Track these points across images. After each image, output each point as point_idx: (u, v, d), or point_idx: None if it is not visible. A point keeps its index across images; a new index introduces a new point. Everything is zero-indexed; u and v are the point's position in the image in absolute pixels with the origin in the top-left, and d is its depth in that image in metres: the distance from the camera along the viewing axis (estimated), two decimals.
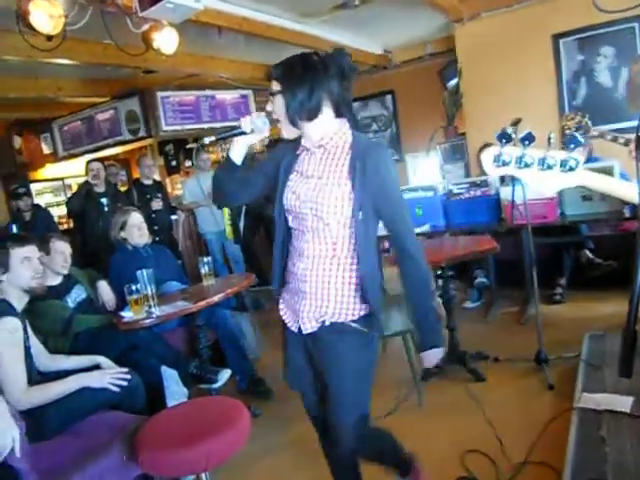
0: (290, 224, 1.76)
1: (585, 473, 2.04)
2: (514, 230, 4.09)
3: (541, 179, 1.20)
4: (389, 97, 7.63)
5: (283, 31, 4.85)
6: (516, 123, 2.55)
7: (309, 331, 1.73)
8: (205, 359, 3.16)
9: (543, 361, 3.18)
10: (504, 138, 1.19)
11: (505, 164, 1.20)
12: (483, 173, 5.06)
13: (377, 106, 7.76)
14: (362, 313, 1.71)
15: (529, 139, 1.17)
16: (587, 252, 4.42)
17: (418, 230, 4.47)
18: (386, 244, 6.29)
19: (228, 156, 1.80)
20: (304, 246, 1.71)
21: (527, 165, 1.19)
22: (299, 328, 1.75)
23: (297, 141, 1.75)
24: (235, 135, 1.79)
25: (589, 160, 4.10)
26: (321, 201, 1.63)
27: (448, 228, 4.41)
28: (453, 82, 6.25)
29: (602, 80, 5.04)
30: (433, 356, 1.77)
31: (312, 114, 1.64)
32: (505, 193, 4.16)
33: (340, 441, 1.79)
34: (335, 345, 1.71)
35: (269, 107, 1.70)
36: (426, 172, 7.03)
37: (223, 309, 3.44)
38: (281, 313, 1.85)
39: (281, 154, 1.81)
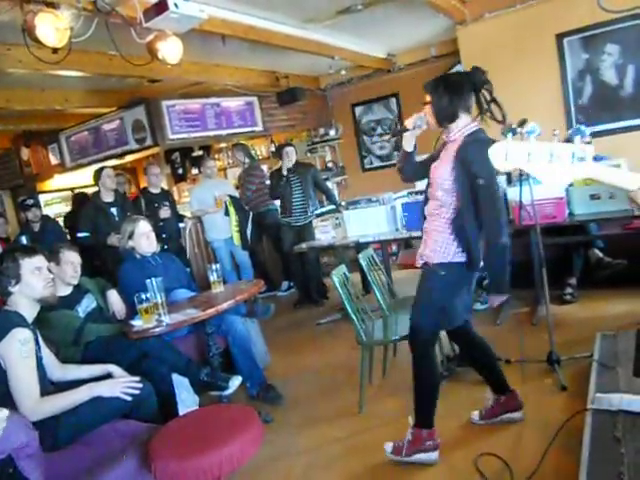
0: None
1: (601, 475, 2.02)
2: (523, 231, 4.06)
3: (551, 171, 1.19)
4: (394, 100, 7.64)
5: (287, 37, 4.87)
6: (522, 124, 2.56)
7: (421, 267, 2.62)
8: (216, 366, 3.17)
9: (555, 362, 3.15)
10: (511, 132, 1.19)
11: (514, 158, 1.20)
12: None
13: (381, 109, 7.77)
14: (443, 261, 2.43)
15: (534, 131, 1.17)
16: (597, 251, 4.38)
17: None
18: (393, 247, 6.30)
19: (403, 149, 2.64)
20: (427, 206, 2.57)
21: (536, 159, 1.19)
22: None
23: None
24: (403, 132, 2.58)
25: (594, 159, 4.08)
26: (442, 178, 2.38)
27: None
28: None
29: (607, 78, 5.02)
30: (497, 299, 2.49)
31: (450, 119, 2.34)
32: (512, 194, 4.13)
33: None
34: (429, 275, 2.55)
35: (424, 111, 2.44)
36: None
37: (232, 316, 3.44)
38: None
39: (438, 144, 2.56)
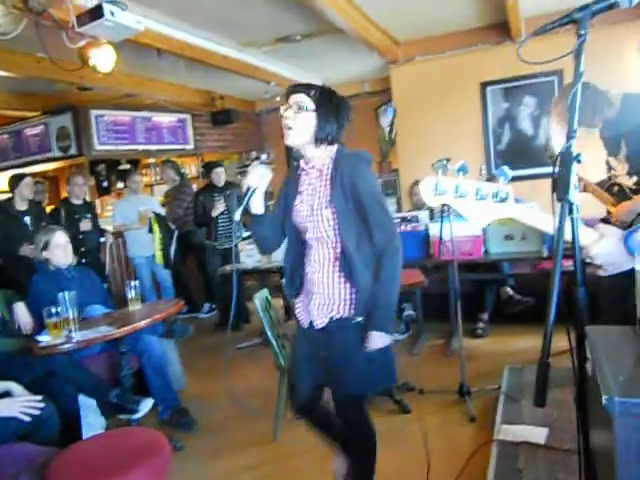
0: (296, 238, 2.02)
1: None
2: (441, 265, 4.23)
3: (476, 209, 1.26)
4: None
5: (224, 59, 4.88)
6: (441, 165, 2.70)
7: (320, 326, 1.95)
8: (127, 388, 3.03)
9: (466, 393, 3.26)
10: (440, 168, 1.25)
11: (443, 194, 1.25)
12: (415, 208, 5.24)
13: None
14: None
15: (463, 170, 1.24)
16: (508, 289, 4.63)
17: None
18: None
19: (252, 214, 1.97)
20: (312, 253, 1.97)
21: (463, 195, 1.25)
22: (310, 323, 1.98)
23: (292, 166, 2.03)
24: (251, 197, 1.91)
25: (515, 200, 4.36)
26: (323, 214, 1.88)
27: None
28: (388, 120, 6.47)
29: (524, 127, 5.39)
30: (379, 339, 1.88)
31: (332, 142, 1.89)
32: (434, 229, 4.30)
33: (342, 414, 2.08)
34: (342, 337, 1.93)
35: (287, 114, 1.85)
36: None
37: (149, 335, 3.32)
38: (296, 312, 2.08)
39: (285, 184, 2.07)
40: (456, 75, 5.48)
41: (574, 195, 1.14)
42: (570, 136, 1.15)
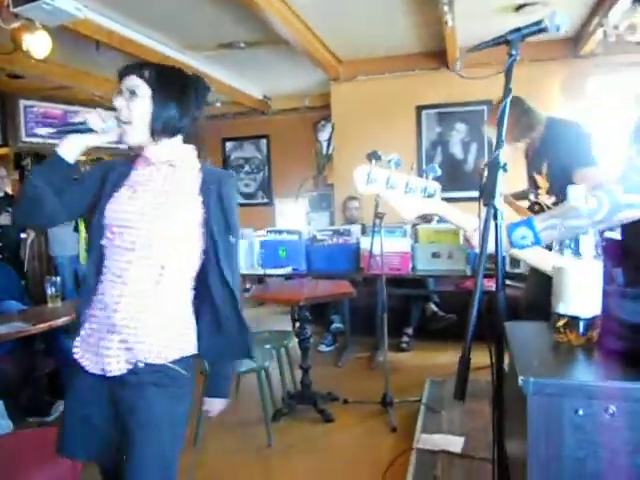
0: (105, 242, 1.48)
1: None
2: (370, 280, 4.31)
3: (404, 202, 1.30)
4: (264, 141, 7.80)
5: (165, 59, 4.79)
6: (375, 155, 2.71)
7: (115, 374, 1.40)
8: (40, 389, 2.87)
9: (388, 404, 3.33)
10: (374, 158, 1.29)
11: (374, 183, 1.28)
12: (348, 223, 5.32)
13: (251, 149, 7.89)
14: (186, 354, 1.48)
15: (396, 163, 1.28)
16: (432, 305, 4.79)
17: (280, 271, 4.54)
18: (247, 284, 6.29)
19: (57, 155, 1.46)
20: (124, 267, 1.44)
21: (393, 187, 1.28)
22: (103, 370, 1.42)
23: (130, 153, 1.59)
24: (81, 131, 1.48)
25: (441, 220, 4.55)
26: (159, 219, 1.44)
27: (309, 272, 4.53)
28: (325, 136, 6.57)
29: (455, 152, 5.63)
30: (219, 405, 1.59)
31: (176, 132, 1.51)
32: (365, 243, 4.39)
33: None
34: (147, 392, 1.41)
35: (118, 103, 1.45)
36: (293, 218, 7.22)
37: (67, 335, 3.17)
38: (75, 353, 1.46)
39: (108, 167, 1.59)
40: (394, 97, 5.66)
41: (499, 201, 1.21)
42: (498, 146, 1.22)
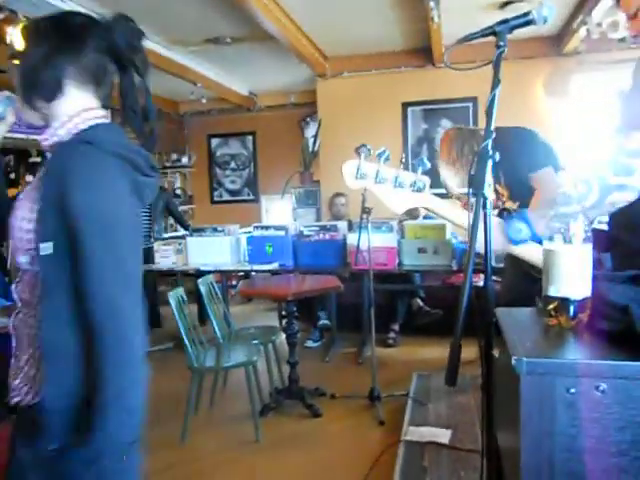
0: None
1: None
2: (356, 275, 4.32)
3: (394, 196, 1.30)
4: (250, 138, 7.79)
5: (150, 54, 4.69)
6: (364, 148, 2.70)
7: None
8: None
9: (376, 398, 3.34)
10: (363, 151, 1.29)
11: (363, 177, 1.29)
12: (334, 219, 5.32)
13: (237, 145, 7.86)
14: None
15: (384, 156, 1.28)
16: (418, 300, 4.82)
17: (267, 267, 4.53)
18: (233, 281, 6.27)
19: None
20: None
21: (382, 181, 1.29)
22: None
23: None
24: None
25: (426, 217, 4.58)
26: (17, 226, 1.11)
27: (296, 267, 4.53)
28: (311, 132, 6.58)
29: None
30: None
31: (47, 91, 1.12)
32: (352, 239, 4.40)
33: None
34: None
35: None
36: (279, 214, 7.22)
37: None
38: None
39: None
40: (380, 93, 5.69)
41: (488, 191, 1.22)
42: (487, 136, 1.23)
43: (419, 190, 1.31)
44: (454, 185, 2.79)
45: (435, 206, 1.34)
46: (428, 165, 1.33)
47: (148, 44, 4.08)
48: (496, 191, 2.80)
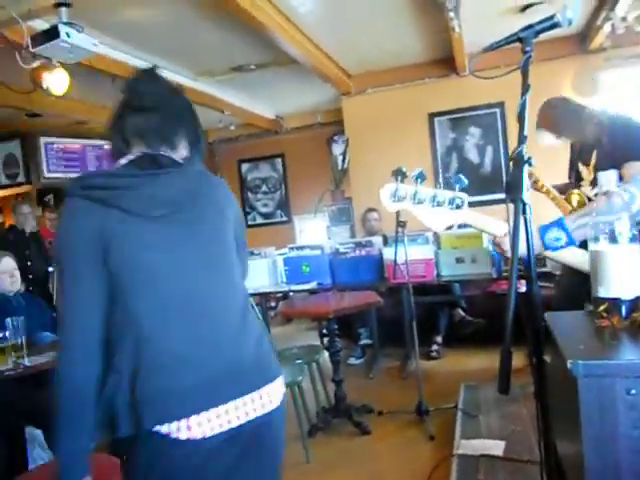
0: None
1: None
2: (395, 289, 4.30)
3: (433, 215, 1.31)
4: (279, 160, 7.89)
5: (179, 87, 4.89)
6: (400, 172, 2.69)
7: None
8: None
9: (424, 413, 3.29)
10: (400, 175, 1.30)
11: (401, 199, 1.30)
12: (368, 235, 5.32)
13: (267, 168, 7.98)
14: None
15: (421, 177, 1.29)
16: (460, 311, 4.75)
17: (306, 287, 4.55)
18: (272, 302, 6.31)
19: None
20: None
21: (420, 201, 1.30)
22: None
23: None
24: None
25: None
26: None
27: (334, 285, 4.53)
28: (340, 150, 6.63)
29: (470, 156, 5.63)
30: None
31: None
32: (388, 253, 4.39)
33: None
34: None
35: None
36: (313, 233, 7.26)
37: None
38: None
39: None
40: (405, 106, 5.70)
41: (526, 196, 1.21)
42: (521, 141, 1.23)
43: (458, 207, 1.31)
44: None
45: (474, 222, 1.34)
46: (465, 182, 1.33)
47: (177, 78, 4.22)
48: (578, 172, 2.72)
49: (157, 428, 1.10)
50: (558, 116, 2.67)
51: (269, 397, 1.23)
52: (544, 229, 1.26)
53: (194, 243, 1.23)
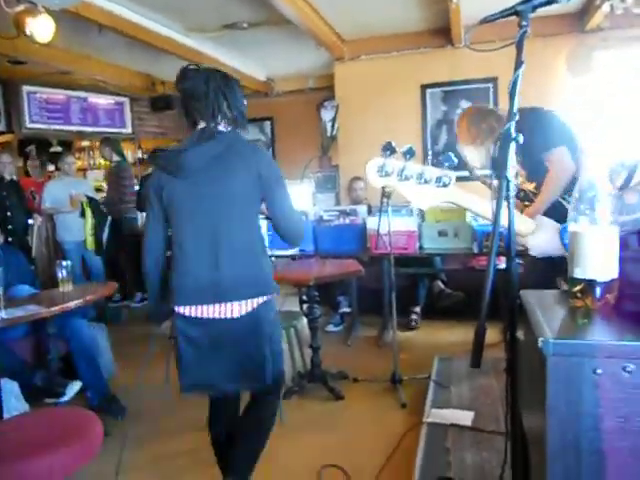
0: None
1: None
2: (376, 259, 4.32)
3: (418, 192, 1.30)
4: (268, 123, 7.79)
5: (168, 41, 4.77)
6: (389, 147, 2.73)
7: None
8: (54, 371, 2.91)
9: (397, 381, 3.36)
10: (388, 150, 1.28)
11: (388, 175, 1.28)
12: (353, 203, 5.31)
13: (255, 131, 7.87)
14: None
15: (410, 153, 1.27)
16: (439, 283, 4.81)
17: (288, 252, 4.55)
18: None
19: None
20: None
21: (407, 178, 1.28)
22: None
23: None
24: None
25: None
26: None
27: (317, 252, 4.54)
28: (329, 116, 6.55)
29: None
30: None
31: None
32: (372, 223, 4.39)
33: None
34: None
35: None
36: (298, 199, 7.21)
37: (79, 319, 3.21)
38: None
39: None
40: (398, 76, 5.63)
41: (510, 173, 1.21)
42: (510, 118, 1.21)
43: (445, 185, 1.30)
44: (477, 164, 2.77)
45: (462, 200, 1.33)
46: (455, 161, 1.31)
47: (166, 32, 4.11)
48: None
49: (176, 308, 1.91)
50: (470, 123, 2.73)
51: (231, 308, 1.89)
52: (565, 230, 1.25)
53: (212, 194, 1.88)
